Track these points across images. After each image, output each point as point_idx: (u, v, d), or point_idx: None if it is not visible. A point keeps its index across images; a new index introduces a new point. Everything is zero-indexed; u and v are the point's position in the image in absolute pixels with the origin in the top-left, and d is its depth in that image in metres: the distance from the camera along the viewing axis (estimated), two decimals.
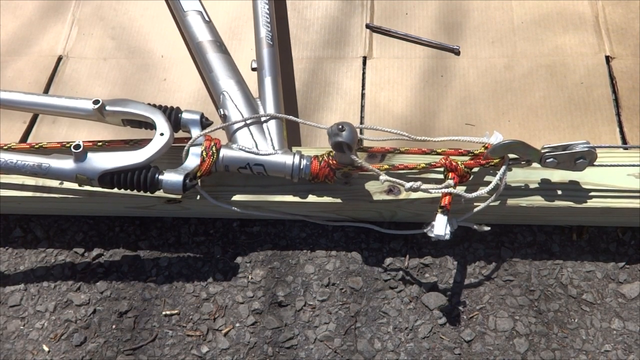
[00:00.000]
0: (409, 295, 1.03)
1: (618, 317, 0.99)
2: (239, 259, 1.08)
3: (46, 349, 1.02)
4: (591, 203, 0.99)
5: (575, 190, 1.00)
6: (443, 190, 0.93)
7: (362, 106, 1.20)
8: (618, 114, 1.14)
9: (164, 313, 1.04)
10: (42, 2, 1.40)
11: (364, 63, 1.26)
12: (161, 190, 0.97)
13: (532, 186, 1.01)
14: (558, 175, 1.01)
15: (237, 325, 1.02)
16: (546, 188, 1.00)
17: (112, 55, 1.31)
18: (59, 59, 1.31)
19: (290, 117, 1.05)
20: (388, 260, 1.06)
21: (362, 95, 1.22)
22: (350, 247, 1.08)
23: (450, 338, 0.99)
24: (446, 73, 1.23)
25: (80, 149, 0.95)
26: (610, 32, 1.24)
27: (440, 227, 0.90)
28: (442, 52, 1.26)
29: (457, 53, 1.25)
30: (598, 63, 1.21)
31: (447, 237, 0.90)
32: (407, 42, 1.28)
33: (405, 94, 1.21)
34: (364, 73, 1.24)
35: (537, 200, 0.99)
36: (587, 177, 1.00)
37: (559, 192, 1.00)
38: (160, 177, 0.96)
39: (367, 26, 1.30)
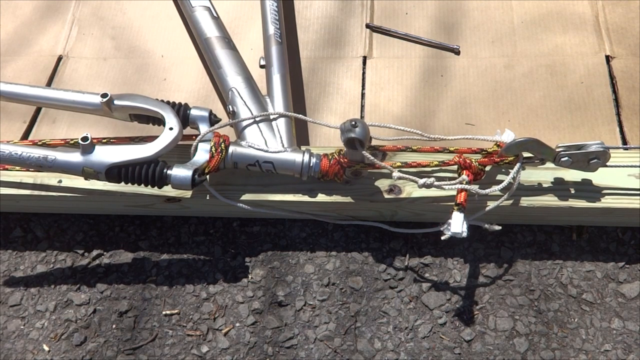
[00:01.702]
0: (409, 295, 1.03)
1: (618, 317, 0.99)
2: (239, 259, 1.08)
3: (46, 348, 1.02)
4: (591, 203, 0.99)
5: (575, 191, 1.00)
6: (457, 186, 0.93)
7: (362, 106, 1.20)
8: (618, 114, 1.14)
9: (164, 313, 1.04)
10: (42, 2, 1.40)
11: (364, 63, 1.26)
12: (169, 186, 0.96)
13: (532, 186, 1.01)
14: (558, 176, 1.01)
15: (237, 325, 1.02)
16: (546, 188, 1.00)
17: (112, 55, 1.31)
18: (59, 58, 1.31)
19: (300, 115, 1.05)
20: (388, 260, 1.06)
21: (362, 95, 1.22)
22: (350, 247, 1.08)
23: (450, 338, 0.99)
24: (446, 73, 1.23)
25: (88, 141, 0.93)
26: (610, 31, 1.24)
27: (457, 224, 0.90)
28: (442, 51, 1.26)
29: (457, 53, 1.25)
30: (598, 63, 1.21)
31: (464, 234, 0.90)
32: (407, 42, 1.28)
33: (405, 94, 1.21)
34: (364, 73, 1.24)
35: (538, 201, 0.99)
36: (588, 177, 1.00)
37: (560, 192, 1.00)
38: (169, 171, 0.94)
39: (367, 26, 1.30)
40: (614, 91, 1.17)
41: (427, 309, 1.02)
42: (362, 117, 1.19)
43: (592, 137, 1.12)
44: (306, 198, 1.02)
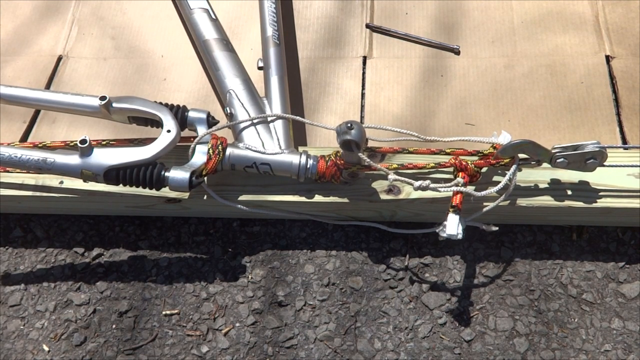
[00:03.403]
0: (409, 295, 1.03)
1: (618, 317, 0.99)
2: (239, 259, 1.08)
3: (46, 348, 1.02)
4: (591, 203, 0.99)
5: (575, 190, 1.00)
6: (453, 188, 0.93)
7: (362, 106, 1.20)
8: (618, 114, 1.14)
9: (164, 313, 1.04)
10: (42, 2, 1.40)
11: (364, 63, 1.26)
12: (167, 188, 0.96)
13: (531, 186, 1.01)
14: (558, 176, 1.01)
15: (237, 325, 1.02)
16: (546, 188, 1.00)
17: (111, 55, 1.31)
18: (59, 58, 1.31)
19: (297, 117, 1.05)
20: (388, 260, 1.06)
21: (362, 95, 1.22)
22: (350, 246, 1.08)
23: (450, 338, 0.99)
24: (446, 73, 1.23)
25: (87, 144, 0.94)
26: (610, 31, 1.24)
27: (453, 226, 0.90)
28: (442, 51, 1.25)
29: (457, 53, 1.25)
30: (598, 63, 1.21)
31: (460, 236, 0.90)
32: (407, 42, 1.28)
33: (405, 94, 1.21)
34: (364, 73, 1.24)
35: (537, 201, 0.99)
36: (587, 177, 1.00)
37: (559, 192, 1.00)
38: (167, 174, 0.95)
39: (367, 26, 1.30)
40: (614, 91, 1.17)
41: (427, 309, 1.02)
42: (362, 117, 1.19)
43: (592, 137, 1.11)
44: (305, 198, 1.02)
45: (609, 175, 1.00)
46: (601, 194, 0.99)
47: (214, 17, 1.20)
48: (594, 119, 1.14)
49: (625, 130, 1.12)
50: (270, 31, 1.15)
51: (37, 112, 1.24)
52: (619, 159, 1.01)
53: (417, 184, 0.93)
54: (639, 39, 1.22)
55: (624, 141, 1.11)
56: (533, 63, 1.22)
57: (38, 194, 1.06)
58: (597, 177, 1.00)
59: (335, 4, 1.34)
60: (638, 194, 0.99)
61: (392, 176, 0.93)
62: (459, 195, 0.93)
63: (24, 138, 1.20)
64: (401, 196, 1.00)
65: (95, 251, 1.11)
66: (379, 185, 1.02)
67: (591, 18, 1.26)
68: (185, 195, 1.03)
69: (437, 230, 0.92)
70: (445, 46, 1.25)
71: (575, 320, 1.00)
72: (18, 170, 1.06)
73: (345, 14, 1.32)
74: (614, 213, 1.00)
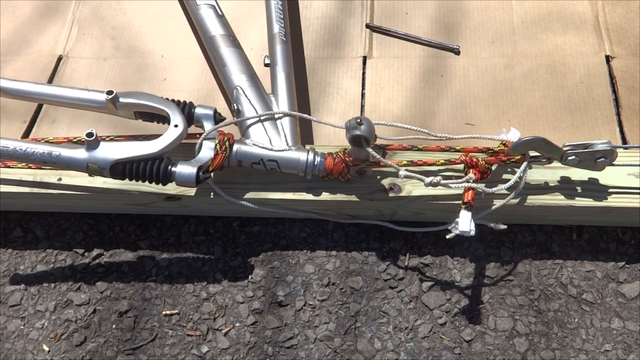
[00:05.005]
0: (409, 295, 1.03)
1: (618, 317, 0.99)
2: (239, 259, 1.08)
3: (46, 348, 1.02)
4: (591, 202, 0.99)
5: (575, 190, 1.00)
6: (464, 184, 0.92)
7: (362, 106, 1.20)
8: (618, 114, 1.14)
9: (164, 313, 1.04)
10: (41, 1, 1.40)
11: (364, 63, 1.26)
12: (173, 183, 0.96)
13: (532, 185, 1.01)
14: (558, 175, 1.01)
15: (237, 325, 1.02)
16: (545, 188, 1.00)
17: (111, 55, 1.31)
18: (59, 58, 1.31)
19: (305, 115, 1.05)
20: (388, 260, 1.06)
21: (362, 95, 1.22)
22: (350, 246, 1.08)
23: (450, 338, 0.99)
24: (446, 73, 1.23)
25: (93, 137, 0.93)
26: (610, 31, 1.24)
27: (465, 223, 0.90)
28: (442, 51, 1.26)
29: (457, 53, 1.25)
30: (598, 63, 1.21)
31: (472, 232, 0.90)
32: (407, 42, 1.28)
33: (405, 94, 1.21)
34: (363, 73, 1.24)
35: (538, 199, 0.99)
36: (588, 176, 1.00)
37: (559, 191, 1.00)
38: (174, 168, 0.94)
39: (367, 26, 1.30)
40: (614, 91, 1.17)
41: (427, 309, 1.02)
42: None
43: (592, 137, 1.11)
44: (306, 196, 1.02)
45: (609, 175, 1.00)
46: (602, 193, 0.99)
47: (220, 13, 1.19)
48: (594, 119, 1.14)
49: (625, 130, 1.12)
50: (276, 28, 1.15)
51: (37, 112, 1.24)
52: (619, 158, 1.01)
53: (427, 180, 0.93)
54: (639, 39, 1.23)
55: (624, 141, 1.11)
56: (533, 63, 1.22)
57: (36, 190, 1.06)
58: (597, 177, 1.00)
59: (335, 4, 1.34)
60: (638, 193, 0.99)
61: (403, 172, 0.93)
62: (470, 192, 0.92)
63: (25, 137, 1.20)
64: (402, 194, 1.00)
65: (95, 251, 1.11)
66: (380, 183, 1.02)
67: (591, 18, 1.26)
68: (188, 191, 1.03)
69: (449, 227, 0.92)
70: (445, 46, 1.25)
71: (575, 320, 0.99)
72: (18, 166, 1.05)
73: (345, 14, 1.32)
74: (615, 212, 1.00)
